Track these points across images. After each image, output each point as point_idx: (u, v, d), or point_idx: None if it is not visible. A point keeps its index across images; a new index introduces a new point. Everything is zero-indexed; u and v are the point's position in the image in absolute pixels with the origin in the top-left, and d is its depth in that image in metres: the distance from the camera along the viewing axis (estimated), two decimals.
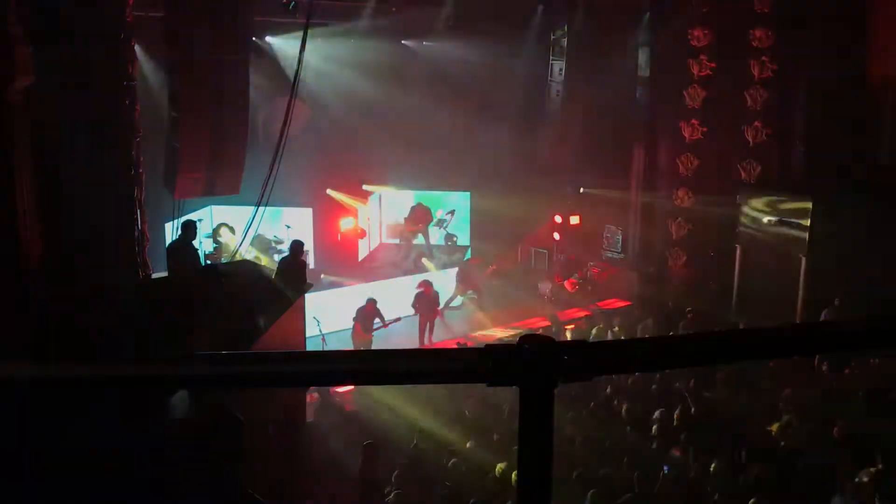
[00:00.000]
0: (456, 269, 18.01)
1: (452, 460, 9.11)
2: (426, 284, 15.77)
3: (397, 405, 10.97)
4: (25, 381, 1.31)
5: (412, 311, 15.77)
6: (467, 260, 17.77)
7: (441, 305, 17.16)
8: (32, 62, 7.28)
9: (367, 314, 14.63)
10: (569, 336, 14.10)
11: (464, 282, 17.32)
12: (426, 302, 15.63)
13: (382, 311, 14.82)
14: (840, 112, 15.10)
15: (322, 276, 16.37)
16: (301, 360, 1.37)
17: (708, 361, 1.43)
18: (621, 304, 17.45)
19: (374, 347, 14.56)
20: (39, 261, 7.26)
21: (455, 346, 13.45)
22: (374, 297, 14.90)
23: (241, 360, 1.33)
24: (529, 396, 1.23)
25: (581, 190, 19.33)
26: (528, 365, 1.22)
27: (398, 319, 14.98)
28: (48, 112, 7.82)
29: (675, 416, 9.71)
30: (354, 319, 14.68)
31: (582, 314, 16.24)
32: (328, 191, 18.68)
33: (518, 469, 1.28)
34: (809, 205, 14.48)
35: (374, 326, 14.63)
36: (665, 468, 8.56)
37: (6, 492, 4.44)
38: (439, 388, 11.06)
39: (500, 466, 8.68)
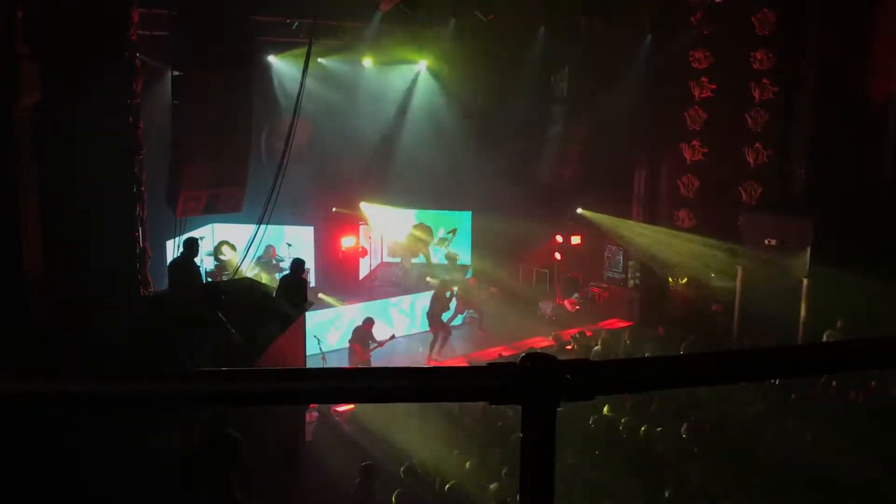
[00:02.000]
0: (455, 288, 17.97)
1: (450, 483, 9.05)
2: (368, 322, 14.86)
3: (397, 425, 10.93)
4: (25, 395, 1.31)
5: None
6: (466, 279, 17.76)
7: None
8: (38, 80, 7.33)
9: (366, 334, 14.52)
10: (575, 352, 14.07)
11: (463, 301, 17.29)
12: (360, 336, 14.64)
13: (379, 330, 14.71)
14: (840, 133, 15.17)
15: (319, 294, 16.32)
16: (302, 377, 1.38)
17: (710, 381, 1.43)
18: (622, 324, 17.44)
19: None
20: (41, 276, 7.26)
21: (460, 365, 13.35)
22: (371, 317, 14.82)
23: (242, 378, 1.33)
24: (532, 415, 1.23)
25: (578, 210, 19.37)
26: (530, 383, 1.22)
27: (392, 337, 14.88)
28: (53, 129, 7.86)
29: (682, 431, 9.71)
30: (352, 341, 14.56)
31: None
32: (334, 209, 18.70)
33: (520, 488, 1.27)
34: (810, 226, 14.50)
35: (371, 347, 14.53)
36: (666, 493, 8.52)
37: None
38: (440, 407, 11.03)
39: (493, 487, 8.62)
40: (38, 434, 4.36)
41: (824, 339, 13.08)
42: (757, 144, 16.48)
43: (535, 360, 1.23)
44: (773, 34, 16.08)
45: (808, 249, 14.46)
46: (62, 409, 1.46)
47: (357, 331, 14.60)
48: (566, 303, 18.30)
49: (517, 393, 1.23)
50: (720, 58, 16.94)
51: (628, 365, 1.32)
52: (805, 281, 14.55)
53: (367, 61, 18.74)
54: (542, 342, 16.30)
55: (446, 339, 16.10)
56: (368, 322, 14.61)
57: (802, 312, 14.61)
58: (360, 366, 14.16)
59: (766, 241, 15.21)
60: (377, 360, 14.53)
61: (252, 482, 6.84)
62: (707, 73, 17.09)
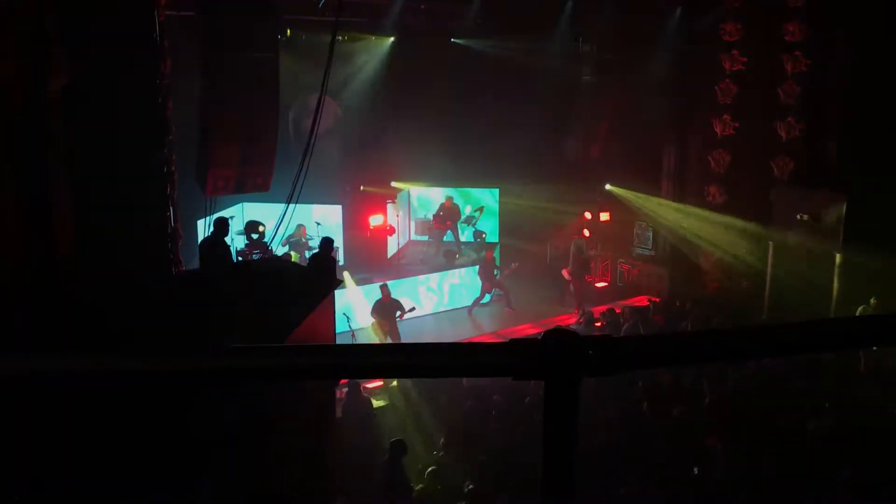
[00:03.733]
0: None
1: (481, 457, 9.12)
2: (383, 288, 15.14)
3: (426, 400, 11.01)
4: (61, 373, 1.35)
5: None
6: (482, 258, 17.76)
7: (469, 303, 17.26)
8: (67, 62, 7.40)
9: (385, 305, 14.72)
10: (603, 330, 14.04)
11: (486, 279, 17.31)
12: (381, 308, 14.90)
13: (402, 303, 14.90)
14: (874, 106, 14.83)
15: (345, 273, 16.43)
16: (330, 353, 1.40)
17: (735, 357, 1.43)
18: (652, 300, 17.33)
19: (399, 336, 14.73)
20: (73, 257, 7.38)
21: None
22: (386, 284, 15.06)
23: (273, 354, 1.35)
24: (554, 390, 1.24)
25: (606, 187, 19.23)
26: (552, 359, 1.23)
27: (413, 309, 15.10)
28: (82, 111, 7.95)
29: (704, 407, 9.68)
30: (373, 313, 14.78)
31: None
32: (362, 187, 18.76)
33: (542, 464, 1.29)
34: (844, 201, 14.27)
35: (396, 315, 14.71)
36: (695, 469, 8.51)
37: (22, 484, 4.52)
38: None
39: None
40: (69, 412, 4.46)
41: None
42: (789, 118, 16.19)
43: (558, 336, 1.24)
44: (805, 5, 15.73)
45: (841, 225, 14.23)
46: (95, 387, 1.48)
47: (378, 304, 14.76)
48: (563, 272, 18.16)
49: (539, 368, 1.24)
50: (751, 30, 16.62)
51: (651, 340, 1.32)
52: (837, 257, 14.34)
53: (393, 38, 18.71)
54: (570, 319, 16.30)
55: (584, 296, 16.92)
56: (385, 291, 14.80)
57: (835, 289, 14.42)
58: (388, 338, 14.39)
59: (798, 217, 15.00)
60: (407, 336, 14.65)
61: (281, 458, 6.95)
62: (738, 45, 16.80)
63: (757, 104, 16.64)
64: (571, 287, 17.75)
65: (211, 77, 11.96)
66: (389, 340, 14.51)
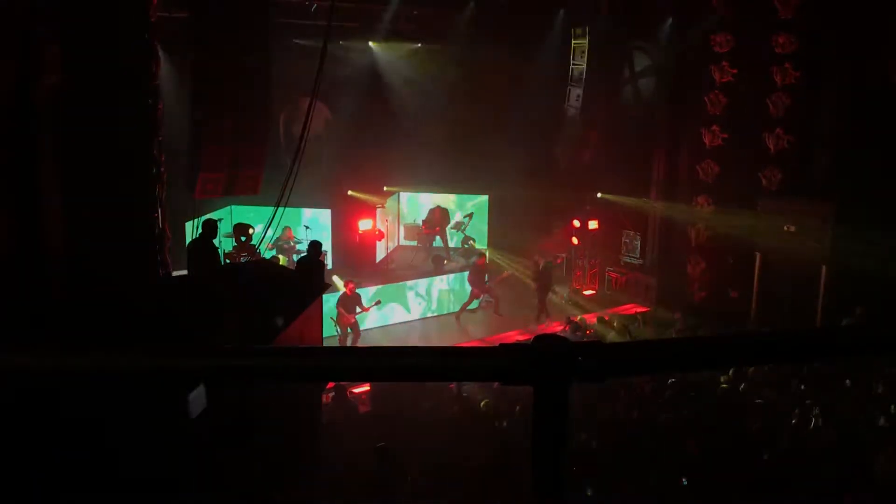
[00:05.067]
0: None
1: (467, 463, 9.11)
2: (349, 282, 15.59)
3: (411, 406, 10.99)
4: (44, 370, 1.34)
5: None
6: (473, 263, 17.76)
7: (458, 309, 17.26)
8: (59, 61, 7.38)
9: (349, 298, 14.84)
10: (591, 337, 14.06)
11: (476, 285, 17.33)
12: (344, 300, 15.30)
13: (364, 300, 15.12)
14: (863, 119, 14.94)
15: (333, 277, 16.43)
16: (317, 355, 1.39)
17: (721, 364, 1.44)
18: (639, 309, 17.40)
19: (359, 329, 15.01)
20: (61, 257, 7.35)
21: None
22: (353, 279, 15.29)
23: (260, 354, 1.35)
24: (543, 396, 1.24)
25: (598, 195, 19.29)
26: (541, 364, 1.23)
27: (378, 303, 15.31)
28: (73, 110, 7.92)
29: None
30: (338, 305, 14.89)
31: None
32: (350, 192, 18.74)
33: (532, 468, 1.29)
34: (831, 212, 14.35)
35: (356, 311, 14.77)
36: (683, 480, 8.53)
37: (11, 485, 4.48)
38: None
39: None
40: (52, 410, 4.43)
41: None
42: (778, 130, 16.27)
43: (547, 341, 1.24)
44: (795, 17, 15.82)
45: (828, 236, 14.32)
46: (80, 384, 1.48)
47: (342, 297, 14.95)
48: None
49: (528, 374, 1.24)
50: (742, 42, 16.71)
51: (640, 347, 1.32)
52: (824, 268, 14.42)
53: (386, 44, 18.72)
54: (558, 327, 16.31)
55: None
56: (350, 284, 14.98)
57: (820, 299, 14.49)
58: (347, 329, 14.75)
59: (786, 228, 15.09)
60: (394, 341, 14.62)
61: (267, 462, 6.92)
62: (728, 57, 16.88)
63: (746, 115, 16.70)
64: (564, 297, 17.86)
65: (202, 80, 11.93)
66: (350, 334, 14.65)
